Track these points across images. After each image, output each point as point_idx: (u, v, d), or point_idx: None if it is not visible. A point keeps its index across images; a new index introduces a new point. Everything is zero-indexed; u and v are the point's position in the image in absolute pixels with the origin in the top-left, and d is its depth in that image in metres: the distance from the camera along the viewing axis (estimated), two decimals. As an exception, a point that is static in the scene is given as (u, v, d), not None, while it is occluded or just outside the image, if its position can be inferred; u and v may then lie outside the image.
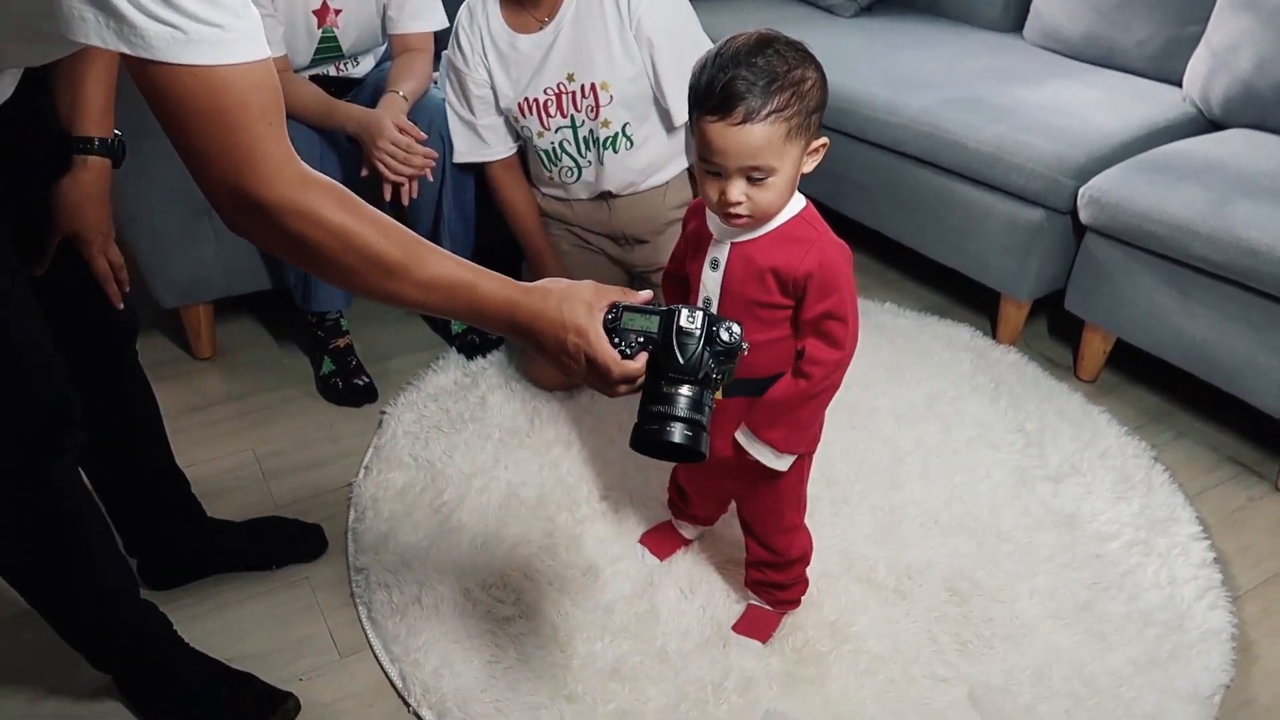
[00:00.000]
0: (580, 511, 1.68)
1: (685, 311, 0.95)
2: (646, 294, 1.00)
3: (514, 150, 1.98)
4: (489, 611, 1.49)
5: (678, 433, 0.94)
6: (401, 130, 1.79)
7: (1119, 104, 2.21)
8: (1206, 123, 2.20)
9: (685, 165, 2.01)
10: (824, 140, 1.13)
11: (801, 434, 1.23)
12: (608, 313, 0.96)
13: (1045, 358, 2.18)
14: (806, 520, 1.42)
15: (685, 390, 0.95)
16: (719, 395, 0.99)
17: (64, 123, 1.15)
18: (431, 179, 1.88)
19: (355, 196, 0.88)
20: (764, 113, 1.04)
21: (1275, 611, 1.55)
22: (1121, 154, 2.02)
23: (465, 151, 1.94)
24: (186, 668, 1.31)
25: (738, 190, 1.09)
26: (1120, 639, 1.46)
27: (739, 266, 1.18)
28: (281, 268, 2.02)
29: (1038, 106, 2.18)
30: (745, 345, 0.96)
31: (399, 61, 1.97)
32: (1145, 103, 2.22)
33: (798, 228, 1.15)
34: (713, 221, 1.19)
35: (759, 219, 1.13)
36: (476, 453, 1.81)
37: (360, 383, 2.00)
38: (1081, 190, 1.96)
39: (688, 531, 1.61)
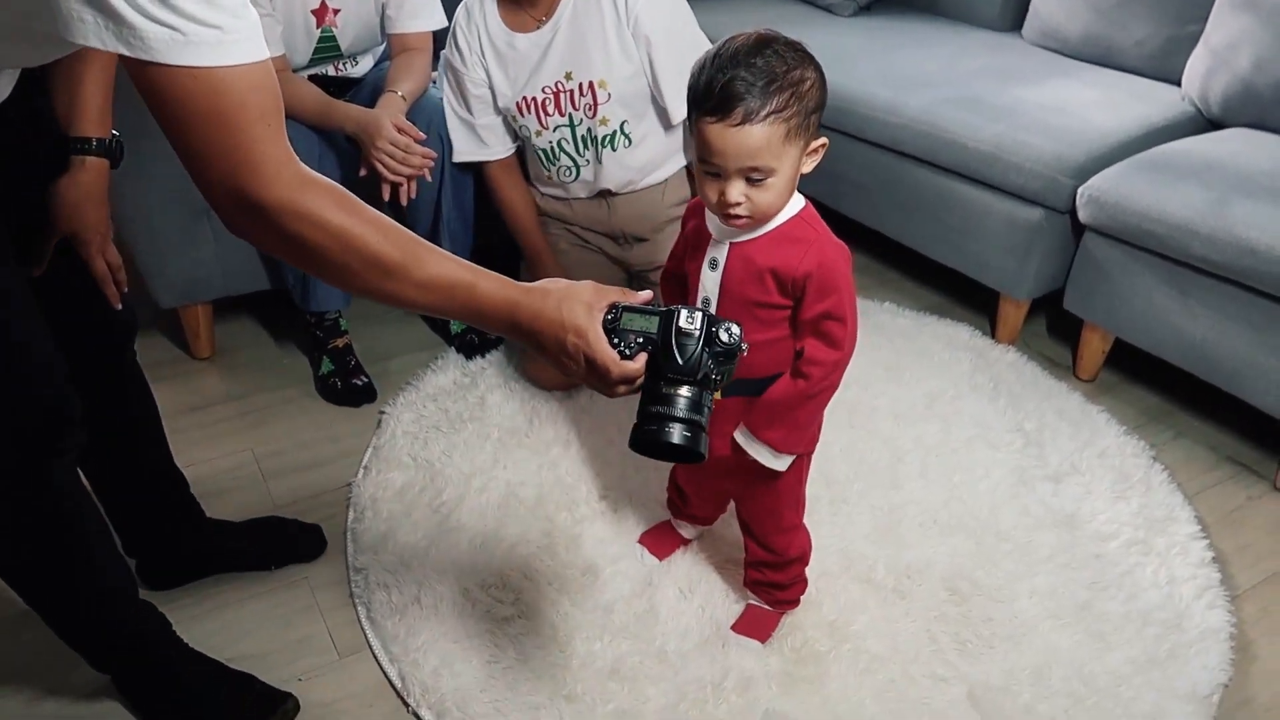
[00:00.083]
0: (579, 511, 1.68)
1: (685, 312, 0.95)
2: (646, 294, 1.00)
3: (512, 150, 1.98)
4: (488, 611, 1.49)
5: (676, 433, 0.94)
6: (400, 130, 1.79)
7: (1118, 103, 2.21)
8: (1205, 122, 2.20)
9: (683, 163, 2.01)
10: (823, 141, 1.13)
11: (800, 434, 1.23)
12: (607, 313, 0.96)
13: (1044, 357, 2.18)
14: (805, 520, 1.42)
15: (684, 391, 0.95)
16: (718, 396, 1.00)
17: (62, 123, 1.15)
18: (430, 179, 1.88)
19: (355, 197, 0.88)
20: (763, 113, 1.04)
21: (1274, 611, 1.55)
22: (1120, 153, 2.02)
23: (464, 151, 1.94)
24: (186, 668, 1.31)
25: (737, 191, 1.09)
26: (1119, 638, 1.46)
27: (738, 266, 1.17)
28: (280, 268, 2.02)
29: (1037, 106, 2.18)
30: (745, 346, 0.96)
31: (398, 61, 1.97)
32: (1144, 102, 2.22)
33: (797, 228, 1.15)
34: (712, 221, 1.19)
35: (758, 219, 1.13)
36: (475, 453, 1.81)
37: (359, 383, 2.00)
38: (1080, 190, 1.96)
39: (687, 531, 1.61)
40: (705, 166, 1.10)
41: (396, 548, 1.60)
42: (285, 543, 1.60)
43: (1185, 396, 2.03)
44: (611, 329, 0.95)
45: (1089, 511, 1.70)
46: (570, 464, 1.78)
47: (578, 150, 1.92)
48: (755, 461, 1.23)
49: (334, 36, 1.94)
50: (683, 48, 1.83)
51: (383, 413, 1.94)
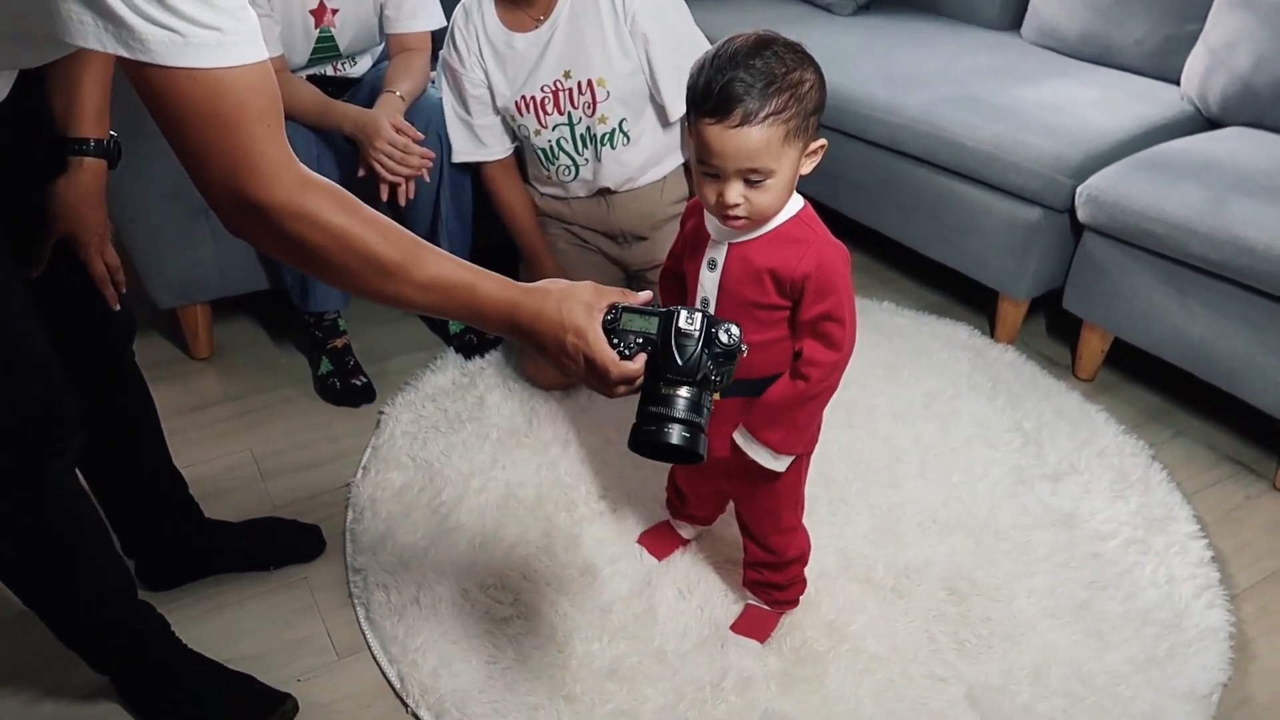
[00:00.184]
0: (578, 511, 1.68)
1: (684, 313, 0.95)
2: (646, 295, 1.00)
3: (511, 150, 1.98)
4: (487, 612, 1.49)
5: (675, 434, 0.94)
6: (398, 130, 1.79)
7: (1116, 102, 2.21)
8: (1204, 121, 2.20)
9: (681, 160, 2.01)
10: (822, 142, 1.13)
11: (799, 435, 1.23)
12: (607, 313, 0.95)
13: (1043, 356, 2.18)
14: (804, 520, 1.42)
15: (684, 392, 0.95)
16: (717, 396, 0.99)
17: (59, 124, 1.15)
18: (428, 179, 1.88)
19: (354, 198, 0.88)
20: (762, 115, 1.04)
21: (1273, 610, 1.55)
22: (1119, 152, 2.02)
23: (462, 151, 1.94)
24: (185, 668, 1.31)
25: (735, 192, 1.09)
26: (1118, 638, 1.46)
27: (736, 267, 1.17)
28: (279, 268, 2.02)
29: (1035, 105, 2.18)
30: (744, 347, 0.96)
31: (396, 61, 1.96)
32: (1143, 101, 2.22)
33: (795, 229, 1.15)
34: (711, 222, 1.18)
35: (757, 221, 1.13)
36: (474, 453, 1.81)
37: (358, 383, 2.00)
38: (1079, 189, 1.96)
39: (686, 531, 1.61)
40: (704, 168, 1.10)
41: (395, 548, 1.60)
42: (284, 543, 1.60)
43: (1184, 396, 2.03)
44: (611, 329, 0.95)
45: (1088, 511, 1.70)
46: (569, 464, 1.78)
47: (577, 149, 1.92)
48: (754, 462, 1.23)
49: (332, 37, 1.94)
50: (680, 45, 1.83)
51: (381, 413, 1.94)
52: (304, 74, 1.96)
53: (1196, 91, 2.20)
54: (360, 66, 2.07)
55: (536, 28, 1.83)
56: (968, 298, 2.36)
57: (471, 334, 2.13)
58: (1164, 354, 1.93)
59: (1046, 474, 1.78)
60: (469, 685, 1.37)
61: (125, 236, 1.88)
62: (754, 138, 1.05)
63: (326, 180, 0.87)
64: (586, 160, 1.93)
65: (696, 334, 0.94)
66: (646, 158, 1.95)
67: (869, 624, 1.47)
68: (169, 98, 0.76)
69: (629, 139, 1.91)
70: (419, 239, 0.92)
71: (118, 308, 1.26)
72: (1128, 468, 1.81)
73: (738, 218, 1.11)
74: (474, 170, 2.00)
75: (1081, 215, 1.97)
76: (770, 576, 1.42)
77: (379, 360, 2.10)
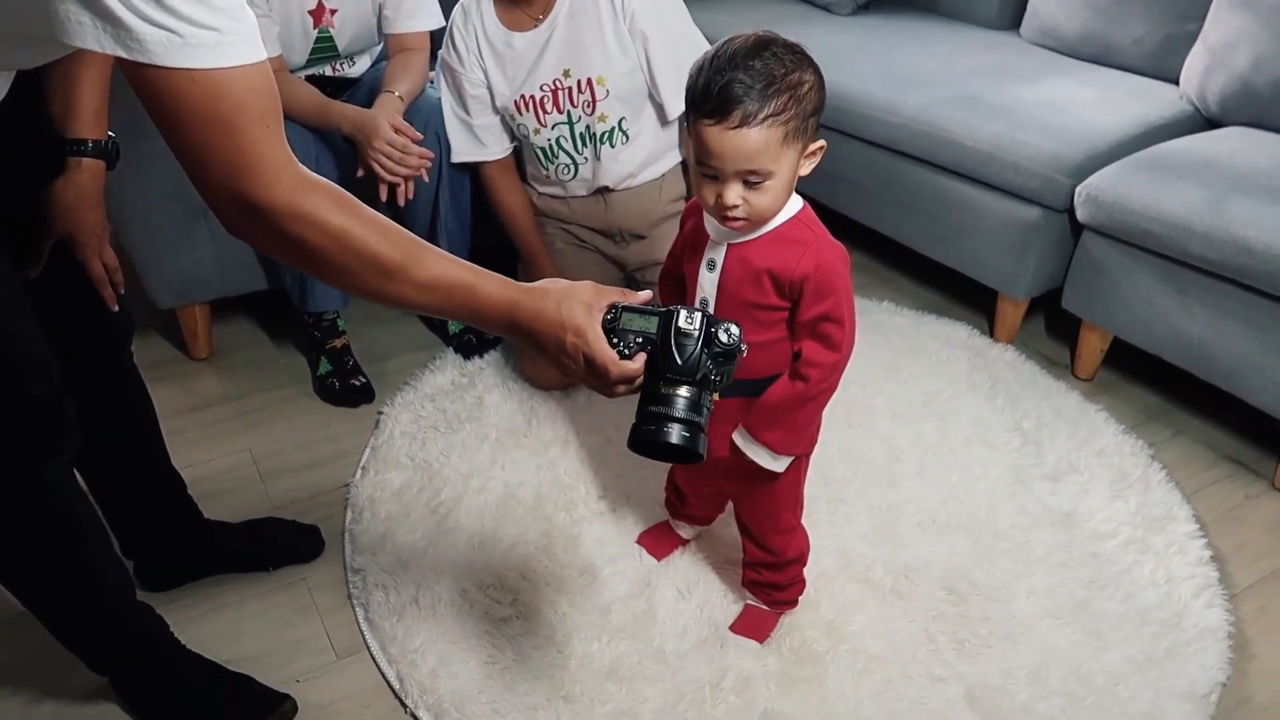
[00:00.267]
0: (577, 512, 1.68)
1: (684, 312, 0.95)
2: (645, 294, 1.00)
3: (510, 150, 1.98)
4: (486, 612, 1.49)
5: (675, 434, 0.94)
6: (397, 130, 1.79)
7: (1116, 102, 2.21)
8: (1203, 121, 2.20)
9: (679, 158, 2.01)
10: (821, 143, 1.13)
11: (799, 435, 1.23)
12: (606, 313, 0.95)
13: (1042, 356, 2.19)
14: (803, 520, 1.42)
15: (683, 391, 0.95)
16: (717, 396, 0.99)
17: (58, 125, 1.15)
18: (427, 179, 1.88)
19: (354, 198, 0.88)
20: (761, 116, 1.04)
21: (1272, 609, 1.55)
22: (1118, 152, 2.02)
23: (461, 151, 1.94)
24: (184, 669, 1.31)
25: (734, 194, 1.09)
26: (1117, 637, 1.46)
27: (736, 268, 1.17)
28: (278, 268, 2.02)
29: (1034, 104, 2.18)
30: (744, 347, 0.96)
31: (395, 61, 1.96)
32: (1142, 101, 2.22)
33: (794, 229, 1.15)
34: (710, 222, 1.18)
35: (756, 222, 1.13)
36: (473, 453, 1.81)
37: (357, 383, 2.00)
38: (1078, 189, 1.96)
39: (685, 532, 1.61)
40: (703, 169, 1.10)
41: (394, 548, 1.60)
42: (283, 543, 1.60)
43: (1183, 395, 2.03)
44: (611, 329, 0.95)
45: (1087, 510, 1.70)
46: (568, 464, 1.78)
47: (576, 148, 1.92)
48: (753, 462, 1.23)
49: (331, 37, 1.94)
50: (678, 44, 1.84)
51: (380, 413, 1.94)
52: (302, 74, 1.96)
53: (1196, 91, 2.20)
54: (359, 67, 2.07)
55: (535, 27, 1.83)
56: (967, 297, 2.36)
57: (470, 334, 2.13)
58: (1163, 354, 1.93)
59: (1045, 474, 1.78)
60: (468, 685, 1.37)
61: (124, 237, 1.88)
62: (753, 139, 1.04)
63: (326, 180, 0.86)
64: (586, 159, 1.93)
65: (696, 333, 0.94)
66: (645, 156, 1.95)
67: (868, 624, 1.47)
68: (167, 98, 0.76)
69: (628, 137, 1.91)
70: (419, 239, 0.92)
71: (116, 308, 1.26)
72: (1127, 467, 1.81)
73: (737, 219, 1.11)
74: (473, 170, 2.00)
75: (1081, 215, 1.97)
76: (769, 577, 1.42)
77: (378, 360, 2.10)
